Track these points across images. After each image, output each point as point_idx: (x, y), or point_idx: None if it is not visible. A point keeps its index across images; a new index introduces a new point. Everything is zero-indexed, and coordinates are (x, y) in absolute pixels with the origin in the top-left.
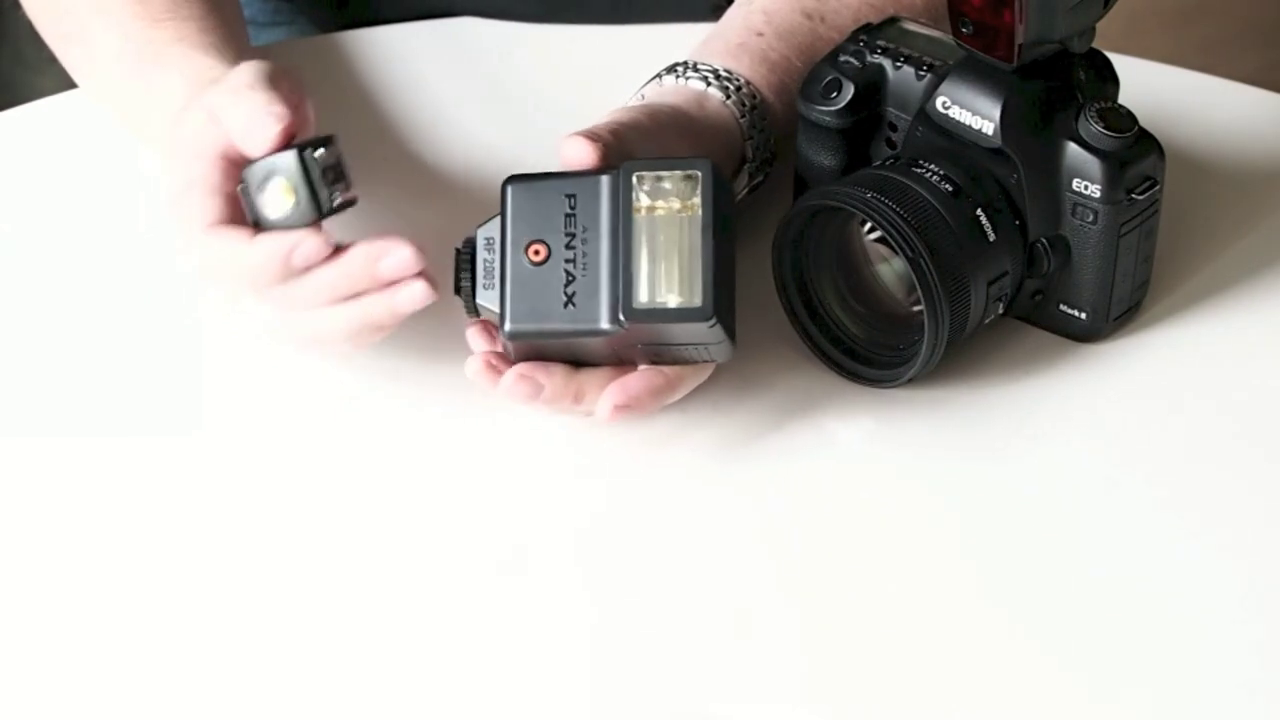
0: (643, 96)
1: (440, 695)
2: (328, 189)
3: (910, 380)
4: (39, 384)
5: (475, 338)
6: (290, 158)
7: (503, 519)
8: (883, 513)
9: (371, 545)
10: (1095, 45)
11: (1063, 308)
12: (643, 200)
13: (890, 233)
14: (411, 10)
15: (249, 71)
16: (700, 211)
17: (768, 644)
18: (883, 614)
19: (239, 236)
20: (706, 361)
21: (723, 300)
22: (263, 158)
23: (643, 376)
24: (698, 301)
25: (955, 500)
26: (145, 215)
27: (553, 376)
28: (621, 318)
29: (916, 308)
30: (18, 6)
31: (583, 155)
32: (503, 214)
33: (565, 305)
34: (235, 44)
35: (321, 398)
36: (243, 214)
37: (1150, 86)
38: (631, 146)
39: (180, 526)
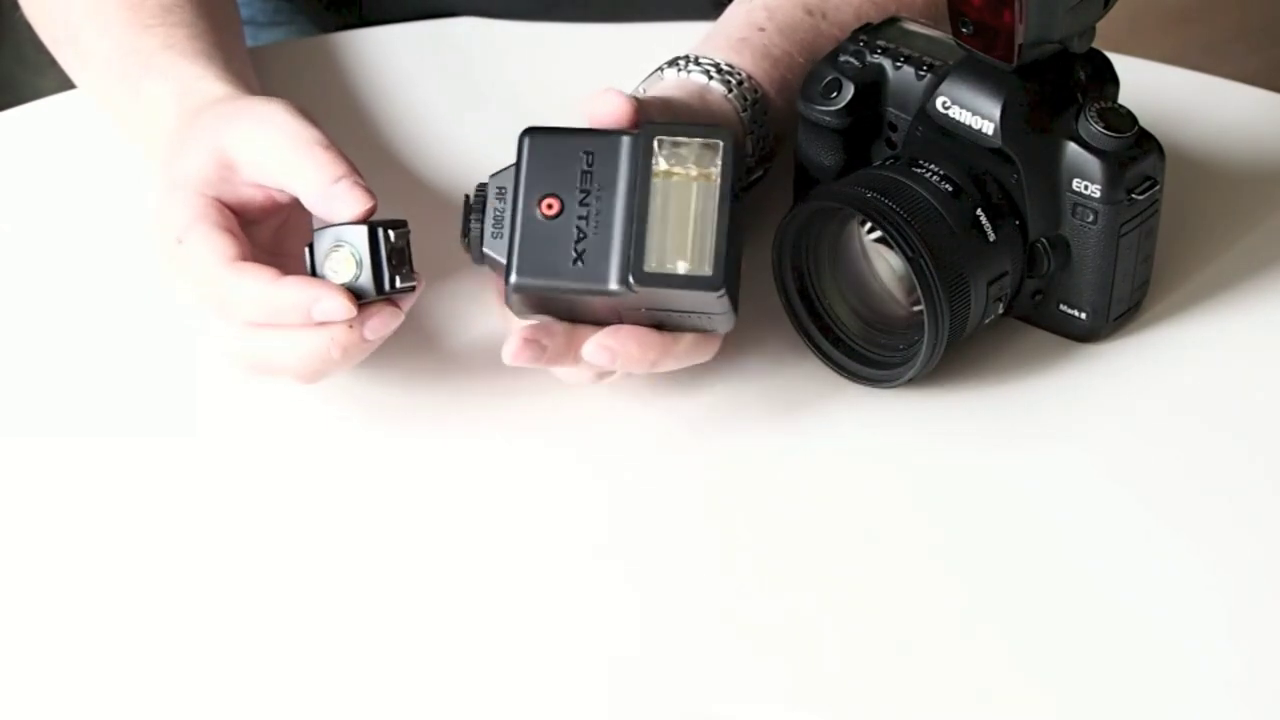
0: (643, 90)
1: (439, 696)
2: (391, 270)
3: (910, 380)
4: (39, 384)
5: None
6: (362, 233)
7: (500, 518)
8: (883, 512)
9: (369, 545)
10: (1095, 45)
11: (1063, 308)
12: (661, 165)
13: (890, 233)
14: (411, 10)
15: (300, 125)
16: (718, 181)
17: (768, 644)
18: (882, 614)
19: (263, 275)
20: (707, 332)
21: (731, 271)
22: (334, 225)
23: (635, 330)
24: (708, 271)
25: (955, 500)
26: (145, 215)
27: (554, 337)
28: (630, 280)
29: (916, 308)
30: (18, 7)
31: (617, 110)
32: (518, 164)
33: (574, 262)
34: (224, 51)
35: (321, 397)
36: (249, 251)
37: (1150, 86)
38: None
39: (180, 527)
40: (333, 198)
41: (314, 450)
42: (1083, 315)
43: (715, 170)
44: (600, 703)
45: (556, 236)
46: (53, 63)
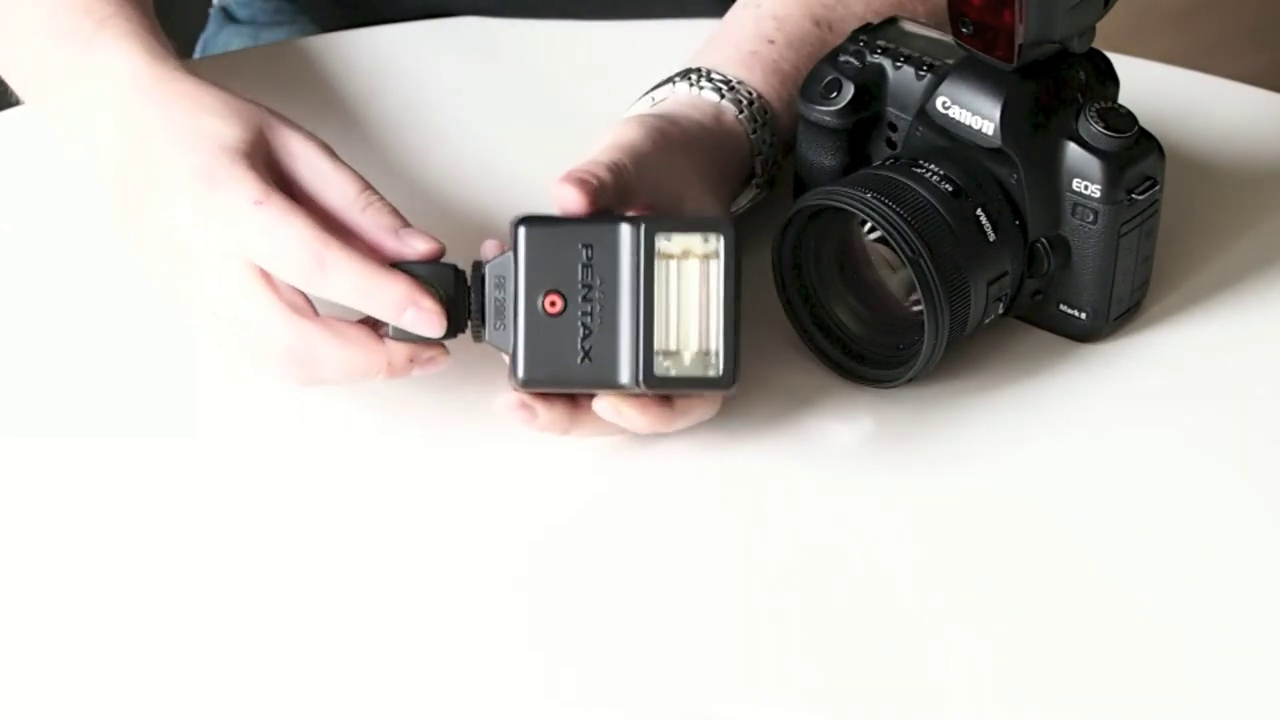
0: (654, 100)
1: (437, 696)
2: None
3: (910, 380)
4: (39, 384)
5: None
6: (449, 274)
7: (499, 518)
8: (882, 512)
9: (369, 545)
10: (1095, 45)
11: (1063, 308)
12: (662, 258)
13: (890, 233)
14: (412, 9)
15: (350, 177)
16: (720, 273)
17: (767, 644)
18: (882, 614)
19: (364, 257)
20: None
21: (738, 358)
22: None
23: (642, 404)
24: (718, 373)
25: (955, 500)
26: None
27: (551, 409)
28: (641, 384)
29: (916, 308)
30: None
31: (575, 203)
32: (515, 257)
33: (581, 360)
34: (158, 30)
35: (321, 398)
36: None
37: (1150, 86)
38: (639, 181)
39: (180, 527)
40: (403, 238)
41: (314, 450)
42: (1083, 315)
43: (718, 253)
44: (600, 702)
45: (562, 334)
46: None
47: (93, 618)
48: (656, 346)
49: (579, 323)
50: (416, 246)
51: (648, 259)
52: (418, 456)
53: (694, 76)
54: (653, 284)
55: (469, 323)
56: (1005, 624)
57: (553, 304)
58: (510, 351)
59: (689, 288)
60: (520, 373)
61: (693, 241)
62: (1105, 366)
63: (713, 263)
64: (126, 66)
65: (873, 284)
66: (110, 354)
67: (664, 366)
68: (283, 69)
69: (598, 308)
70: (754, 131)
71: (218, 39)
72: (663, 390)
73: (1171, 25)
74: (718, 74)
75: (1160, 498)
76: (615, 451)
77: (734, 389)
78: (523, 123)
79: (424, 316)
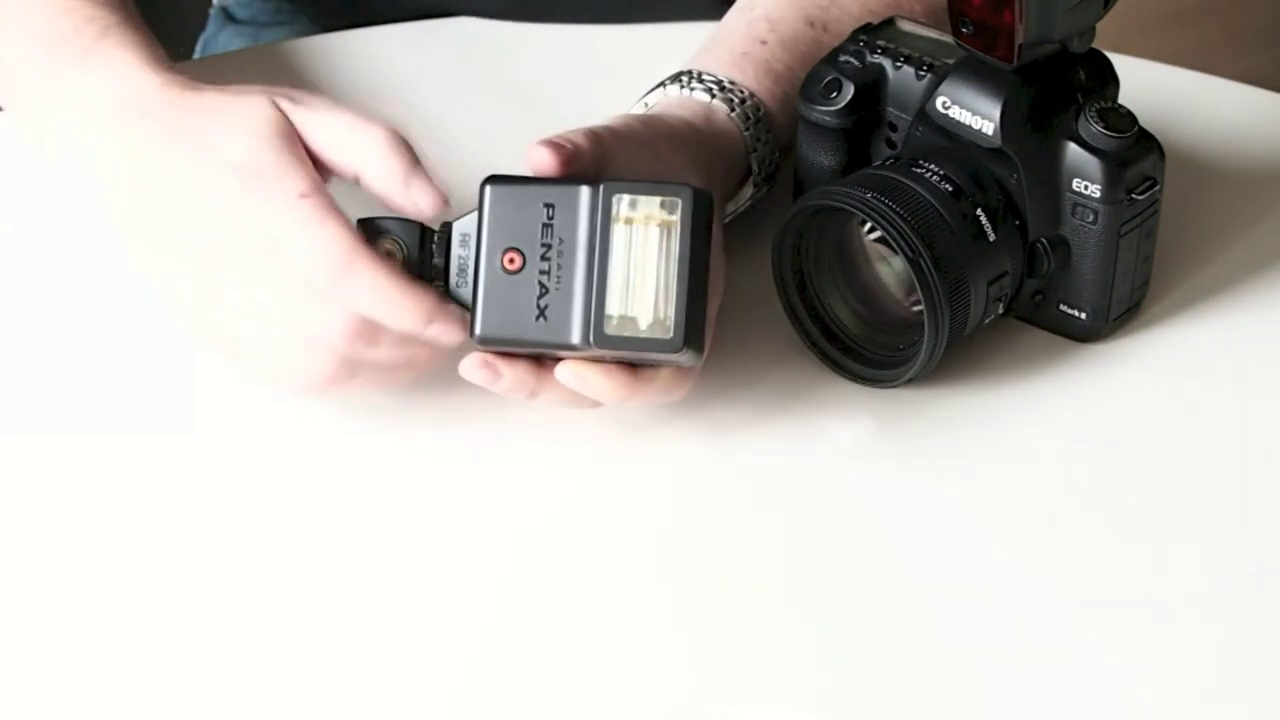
0: (646, 105)
1: (438, 696)
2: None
3: (910, 380)
4: (39, 384)
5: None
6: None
7: (497, 518)
8: (882, 512)
9: (368, 546)
10: (1095, 45)
11: (1063, 308)
12: (621, 220)
13: (890, 232)
14: (412, 10)
15: (390, 137)
16: (678, 239)
17: (767, 644)
18: (881, 614)
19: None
20: (674, 366)
21: (694, 325)
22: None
23: (605, 370)
24: (669, 334)
25: (955, 500)
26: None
27: (515, 368)
28: (591, 340)
29: (916, 308)
30: None
31: (546, 163)
32: (480, 215)
33: (537, 318)
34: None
35: (321, 397)
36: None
37: (1150, 86)
38: (616, 154)
39: (179, 527)
40: (411, 186)
41: (314, 451)
42: (1083, 315)
43: (675, 220)
44: (599, 703)
45: (519, 291)
46: None
47: (92, 617)
48: (609, 308)
49: (536, 281)
50: (418, 202)
51: (604, 220)
52: (417, 456)
53: (684, 79)
54: (609, 245)
55: (434, 283)
56: (1005, 624)
57: (511, 261)
58: (469, 310)
59: (648, 252)
60: (477, 329)
61: (653, 206)
62: (1105, 366)
63: (672, 219)
64: (128, 80)
65: (873, 284)
66: (110, 354)
67: (614, 326)
68: (283, 69)
69: (556, 267)
70: (747, 129)
71: (218, 39)
72: (614, 350)
73: (1171, 25)
74: (709, 75)
75: (1160, 498)
76: (613, 449)
77: (691, 357)
78: (521, 124)
79: (448, 330)
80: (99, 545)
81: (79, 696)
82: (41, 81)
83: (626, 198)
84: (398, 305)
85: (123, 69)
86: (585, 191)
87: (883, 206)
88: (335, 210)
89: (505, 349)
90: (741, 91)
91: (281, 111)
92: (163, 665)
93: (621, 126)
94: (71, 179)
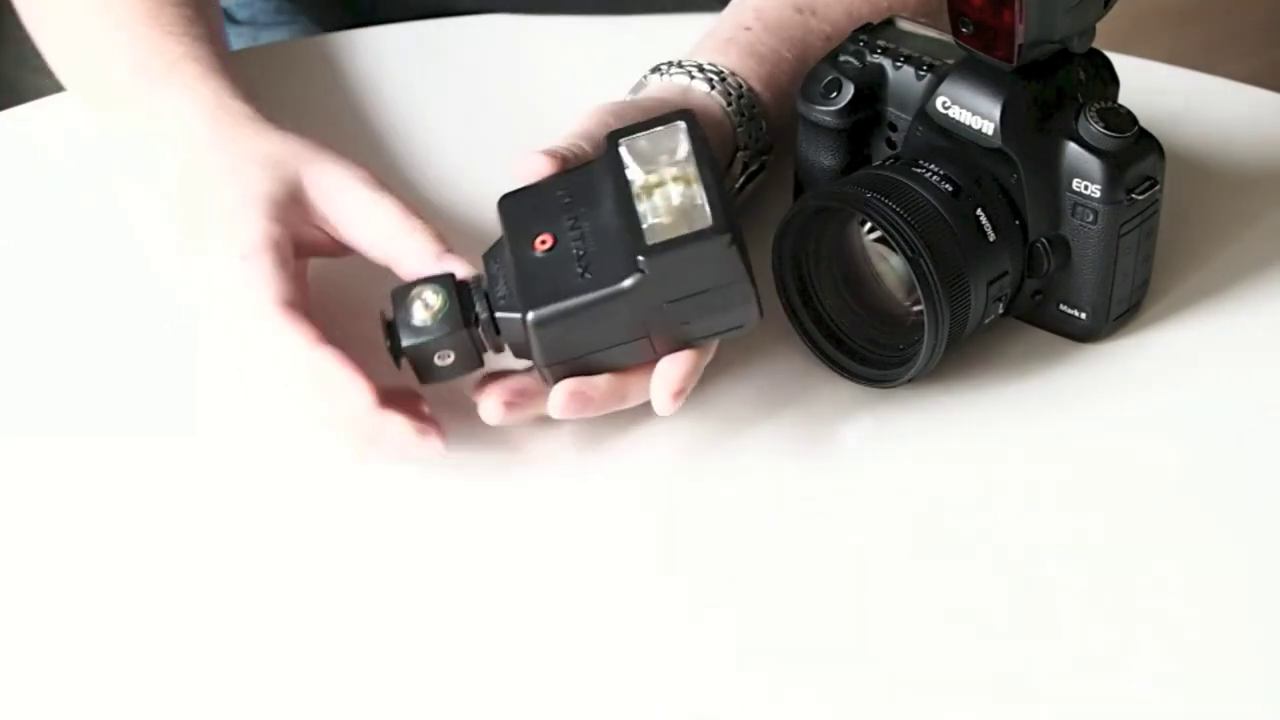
0: (631, 100)
1: (439, 697)
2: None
3: (910, 380)
4: (39, 384)
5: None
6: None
7: (498, 519)
8: (882, 513)
9: (369, 546)
10: (1095, 45)
11: (1063, 308)
12: (635, 166)
13: (890, 232)
14: (412, 9)
15: (392, 205)
16: (689, 154)
17: (767, 644)
18: (881, 614)
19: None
20: (734, 330)
21: (736, 227)
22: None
23: (678, 361)
24: (708, 221)
25: (955, 500)
26: (145, 216)
27: (597, 384)
28: (640, 260)
29: (916, 308)
30: None
31: (535, 167)
32: (504, 228)
33: (582, 276)
34: (236, 70)
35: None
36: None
37: (1150, 86)
38: (594, 156)
39: (179, 527)
40: (447, 262)
41: (313, 451)
42: (1083, 315)
43: (681, 140)
44: (599, 703)
45: (559, 263)
46: None
47: (92, 617)
48: (646, 227)
49: (571, 250)
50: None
51: (617, 166)
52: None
53: (664, 67)
54: (629, 184)
55: (478, 323)
56: (1006, 624)
57: (543, 243)
58: (519, 309)
59: (666, 176)
60: (530, 311)
61: (658, 137)
62: (1105, 366)
63: (682, 160)
64: (193, 113)
65: (873, 284)
66: (110, 354)
67: (656, 235)
68: (283, 69)
69: (588, 230)
70: (729, 104)
71: None
72: (664, 260)
73: (1171, 25)
74: (688, 61)
75: (1160, 498)
76: (612, 448)
77: (729, 239)
78: (524, 120)
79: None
80: (98, 545)
81: (78, 696)
82: (118, 97)
83: (631, 138)
84: (321, 376)
85: (190, 103)
86: (594, 164)
87: (883, 206)
88: (272, 276)
89: (565, 339)
90: (722, 71)
91: (296, 177)
92: (162, 665)
93: (593, 126)
94: (71, 179)
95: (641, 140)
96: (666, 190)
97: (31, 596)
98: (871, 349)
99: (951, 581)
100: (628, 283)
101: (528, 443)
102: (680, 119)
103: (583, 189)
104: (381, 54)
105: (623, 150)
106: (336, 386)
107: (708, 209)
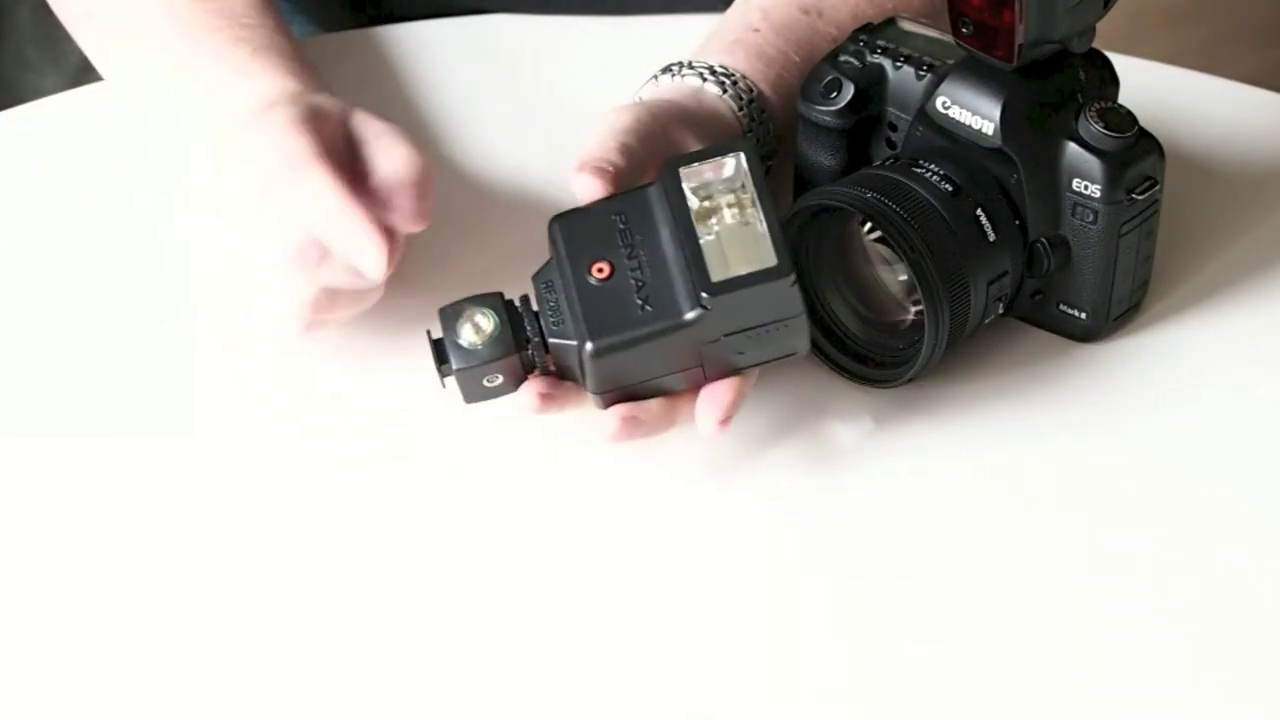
0: (640, 98)
1: (440, 697)
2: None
3: (910, 380)
4: (39, 384)
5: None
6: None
7: (499, 519)
8: (883, 513)
9: (368, 546)
10: (1095, 45)
11: (1063, 308)
12: (693, 195)
13: (890, 232)
14: (413, 9)
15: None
16: (748, 185)
17: (767, 645)
18: (882, 614)
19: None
20: (784, 358)
21: (797, 263)
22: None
23: (725, 388)
24: (772, 261)
25: (955, 500)
26: (145, 216)
27: (650, 409)
28: (703, 297)
29: (917, 308)
30: (17, 7)
31: (595, 191)
32: (555, 251)
33: (642, 309)
34: (305, 59)
35: (321, 396)
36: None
37: (1150, 86)
38: (643, 157)
39: (177, 527)
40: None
41: (313, 450)
42: (1083, 315)
43: (742, 170)
44: (599, 704)
45: (618, 294)
46: (54, 62)
47: (91, 617)
48: (709, 262)
49: (630, 280)
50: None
51: (676, 196)
52: (418, 457)
53: (674, 68)
54: (689, 214)
55: (528, 346)
56: (1007, 624)
57: (600, 271)
58: (575, 337)
59: (725, 207)
60: (588, 341)
61: (718, 167)
62: (1105, 366)
63: (738, 178)
64: (272, 95)
65: (873, 284)
66: (108, 354)
67: (718, 274)
68: None
69: (645, 260)
70: (741, 109)
71: None
72: (724, 295)
73: (1171, 25)
74: (699, 62)
75: (1160, 497)
76: (613, 449)
77: (793, 279)
78: (527, 120)
79: (371, 252)
80: (97, 545)
81: (77, 695)
82: (193, 83)
83: (690, 166)
84: (335, 217)
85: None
86: (651, 189)
87: (883, 206)
88: (311, 125)
89: (619, 367)
90: (733, 74)
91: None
92: (161, 665)
93: (635, 125)
94: (71, 179)
95: (701, 169)
96: (726, 221)
97: (29, 596)
98: (872, 349)
99: (951, 581)
100: (689, 316)
101: (527, 441)
102: (739, 148)
103: (639, 214)
104: (382, 54)
105: (682, 178)
106: (356, 241)
107: (770, 244)
